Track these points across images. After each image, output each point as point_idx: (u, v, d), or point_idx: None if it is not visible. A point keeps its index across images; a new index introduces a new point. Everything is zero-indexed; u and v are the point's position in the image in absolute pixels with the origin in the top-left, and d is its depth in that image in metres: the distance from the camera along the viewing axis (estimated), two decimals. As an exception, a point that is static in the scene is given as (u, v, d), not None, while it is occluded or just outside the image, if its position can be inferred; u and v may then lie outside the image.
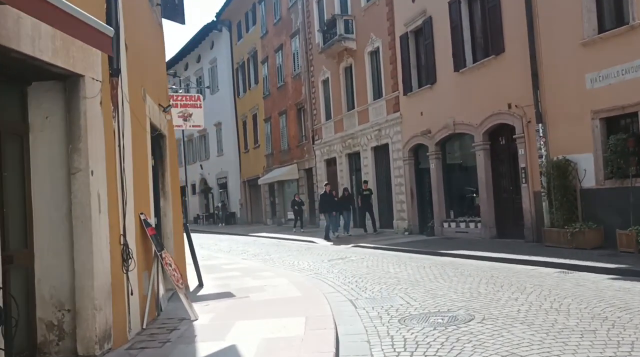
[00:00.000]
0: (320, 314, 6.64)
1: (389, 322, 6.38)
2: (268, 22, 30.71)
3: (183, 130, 39.13)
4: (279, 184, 30.64)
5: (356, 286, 9.11)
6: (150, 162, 7.65)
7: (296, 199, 24.83)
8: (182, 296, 6.90)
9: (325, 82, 24.53)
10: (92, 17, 3.87)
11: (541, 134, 12.66)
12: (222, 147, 37.96)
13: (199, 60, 40.67)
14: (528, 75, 12.88)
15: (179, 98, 12.35)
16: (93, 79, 5.46)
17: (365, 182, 20.21)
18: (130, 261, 5.96)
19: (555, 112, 12.42)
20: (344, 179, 22.98)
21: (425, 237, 16.78)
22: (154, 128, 8.15)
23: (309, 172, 27.14)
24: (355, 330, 6.15)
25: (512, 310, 6.49)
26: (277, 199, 31.07)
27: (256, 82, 33.01)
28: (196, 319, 6.76)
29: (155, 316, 7.03)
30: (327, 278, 10.21)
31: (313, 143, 25.98)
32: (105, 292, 5.44)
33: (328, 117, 24.55)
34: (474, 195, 15.68)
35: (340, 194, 20.87)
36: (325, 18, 23.37)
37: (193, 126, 12.69)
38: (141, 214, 6.73)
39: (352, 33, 21.43)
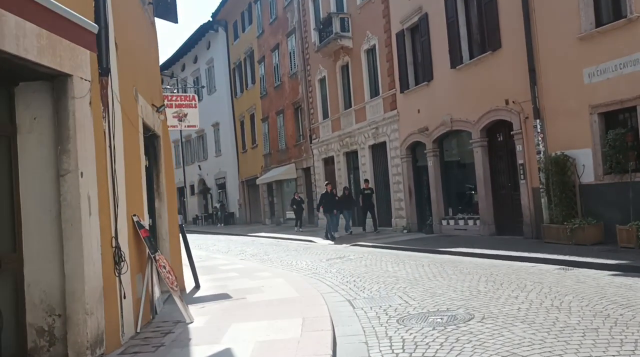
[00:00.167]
0: (317, 315, 6.53)
1: (387, 322, 6.28)
2: (264, 22, 30.60)
3: (181, 131, 39.43)
4: (277, 184, 30.55)
5: (354, 285, 9.01)
6: (143, 162, 7.54)
7: (296, 198, 24.69)
8: (176, 299, 6.79)
9: (322, 81, 24.42)
10: (76, 13, 3.75)
11: (539, 130, 12.57)
12: (220, 147, 37.87)
13: (195, 61, 40.57)
14: (525, 71, 12.78)
15: (174, 98, 12.22)
16: (81, 78, 5.34)
17: (367, 180, 19.97)
18: (122, 263, 5.84)
19: (553, 108, 12.32)
20: (342, 178, 22.88)
21: (424, 235, 16.68)
22: (147, 128, 8.04)
23: (307, 171, 27.04)
24: (353, 331, 6.04)
25: (512, 308, 6.39)
26: (276, 199, 30.97)
27: (253, 82, 32.91)
28: (191, 322, 6.64)
29: (150, 319, 6.92)
30: (325, 278, 10.11)
31: (311, 142, 25.87)
32: (97, 296, 5.32)
33: (325, 116, 24.45)
34: (473, 192, 15.58)
35: (340, 193, 20.70)
36: (321, 16, 23.25)
37: (188, 126, 12.55)
38: (134, 215, 6.62)
39: (348, 31, 21.32)
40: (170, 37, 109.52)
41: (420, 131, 17.15)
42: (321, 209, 19.74)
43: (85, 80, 5.40)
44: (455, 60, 15.37)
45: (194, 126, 12.75)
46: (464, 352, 4.90)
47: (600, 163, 11.24)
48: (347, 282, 9.43)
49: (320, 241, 18.20)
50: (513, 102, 13.29)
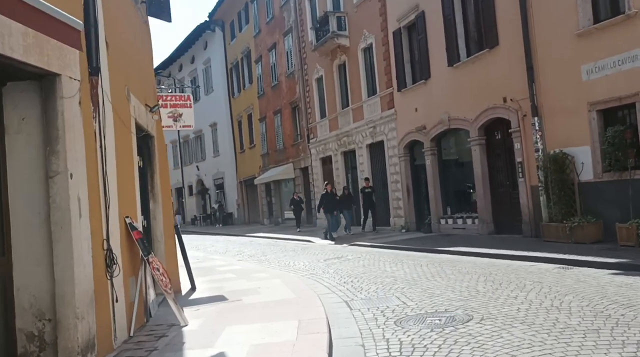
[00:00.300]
0: (313, 317, 6.43)
1: (384, 324, 6.18)
2: (261, 21, 30.49)
3: (179, 132, 39.33)
4: (275, 184, 30.45)
5: (352, 286, 8.91)
6: (136, 163, 7.43)
7: (295, 198, 24.51)
8: (170, 302, 6.69)
9: (319, 80, 24.31)
10: (59, 10, 3.64)
11: (537, 128, 12.47)
12: (218, 147, 37.76)
13: (193, 61, 40.44)
14: (523, 68, 12.68)
15: (169, 98, 12.09)
16: (70, 77, 5.22)
17: (367, 179, 19.72)
18: (114, 266, 5.73)
19: (551, 105, 12.23)
20: (339, 178, 22.77)
21: (423, 234, 16.58)
22: (140, 129, 7.93)
23: (304, 171, 26.94)
24: (349, 333, 5.94)
25: (511, 309, 6.29)
26: (274, 199, 30.87)
27: (250, 81, 32.80)
28: (186, 325, 6.54)
29: (144, 322, 6.81)
30: (323, 278, 10.01)
31: (308, 142, 25.77)
32: (88, 300, 5.21)
33: (323, 115, 24.35)
34: (471, 190, 15.49)
35: (340, 193, 20.53)
36: (318, 15, 23.14)
37: (184, 127, 12.42)
38: (127, 217, 6.51)
39: (345, 30, 21.21)
40: (167, 38, 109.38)
41: (418, 130, 17.06)
42: (321, 210, 19.53)
43: (75, 79, 5.28)
44: (453, 58, 15.27)
45: (189, 126, 12.62)
46: (462, 355, 4.81)
47: (599, 161, 11.15)
48: (344, 282, 9.33)
49: (319, 241, 18.10)
50: (511, 99, 13.20)
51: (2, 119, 5.12)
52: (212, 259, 15.57)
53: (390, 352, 5.11)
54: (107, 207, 5.76)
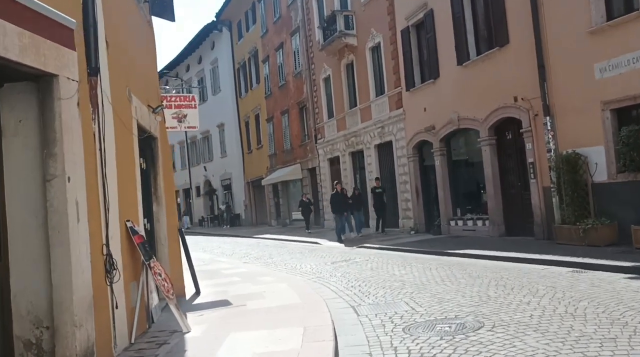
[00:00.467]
0: (319, 324, 6.24)
1: (392, 331, 5.98)
2: (268, 21, 30.35)
3: (186, 133, 39.30)
4: (282, 185, 30.30)
5: (359, 290, 8.71)
6: (138, 165, 7.27)
7: (304, 199, 24.28)
8: (172, 307, 6.52)
9: (327, 80, 24.13)
10: (50, 7, 3.48)
11: (549, 128, 12.22)
12: (225, 148, 37.67)
13: (200, 62, 40.39)
14: (534, 67, 12.43)
15: (173, 98, 11.94)
16: (68, 78, 5.06)
17: (377, 179, 19.36)
18: (114, 271, 5.58)
19: (563, 104, 11.97)
20: (347, 178, 22.57)
21: (432, 236, 16.36)
22: (143, 130, 7.77)
23: (312, 171, 26.77)
24: (356, 341, 5.75)
25: (524, 315, 6.07)
26: (282, 200, 30.72)
27: (257, 81, 32.67)
28: (188, 332, 6.37)
29: (146, 329, 6.66)
30: (330, 282, 9.82)
31: (316, 142, 25.59)
32: (86, 307, 5.05)
33: (330, 115, 24.16)
34: (482, 191, 15.25)
35: (350, 193, 20.21)
36: (325, 14, 22.97)
37: (188, 127, 12.27)
38: (127, 221, 6.35)
39: (353, 29, 21.02)
40: (175, 38, 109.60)
41: (427, 130, 16.84)
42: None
43: (73, 80, 5.12)
44: (462, 56, 15.04)
45: (194, 127, 12.46)
46: (473, 366, 4.61)
47: (613, 161, 10.89)
48: (351, 286, 9.13)
49: (326, 243, 17.91)
50: (522, 99, 12.95)
51: (-1, 121, 4.99)
52: (218, 261, 15.43)
53: (398, 362, 4.93)
54: (106, 211, 5.60)
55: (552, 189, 12.11)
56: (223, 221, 36.87)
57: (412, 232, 17.81)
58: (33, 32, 3.64)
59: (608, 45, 10.78)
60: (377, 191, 18.86)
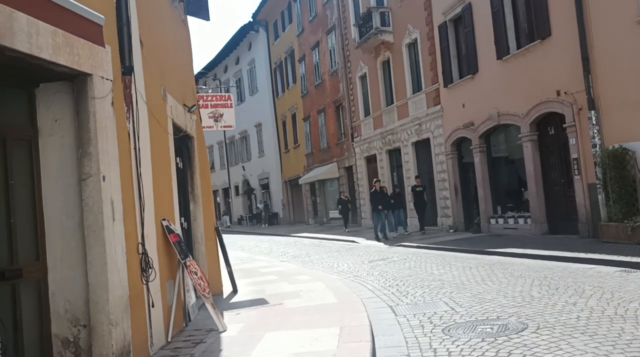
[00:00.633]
0: (356, 324, 6.12)
1: (431, 332, 5.81)
2: (304, 20, 30.34)
3: (224, 133, 39.69)
4: (319, 183, 30.25)
5: (397, 290, 8.54)
6: (174, 164, 7.29)
7: (342, 197, 24.12)
8: (209, 306, 6.50)
9: (363, 78, 23.94)
10: (78, 3, 3.46)
11: (594, 122, 11.76)
12: (263, 148, 37.88)
13: (237, 62, 40.72)
14: (578, 59, 11.98)
15: (209, 98, 11.96)
16: (102, 77, 5.08)
17: (418, 177, 18.93)
18: (150, 270, 5.58)
19: (609, 98, 11.50)
20: (384, 176, 22.30)
21: (472, 234, 16.00)
22: (178, 129, 7.80)
23: (349, 170, 26.62)
24: (394, 342, 5.60)
25: (570, 317, 5.81)
26: (319, 198, 30.67)
27: (294, 81, 32.72)
28: (224, 331, 6.34)
29: (182, 327, 6.66)
30: (367, 281, 9.68)
31: (352, 141, 25.43)
32: (122, 306, 5.06)
33: (367, 113, 23.96)
34: (523, 189, 14.84)
35: (390, 191, 19.81)
36: (361, 12, 22.78)
37: (224, 127, 12.27)
38: (163, 220, 6.36)
39: (389, 25, 20.78)
40: (213, 40, 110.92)
41: (466, 126, 16.49)
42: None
43: (107, 79, 5.14)
44: (502, 51, 14.65)
45: (230, 126, 12.46)
46: (517, 369, 4.41)
47: (663, 156, 10.41)
48: (389, 286, 8.97)
49: (364, 242, 17.74)
50: (565, 93, 12.51)
51: (36, 121, 5.03)
52: (255, 260, 15.45)
53: (437, 365, 4.76)
54: (142, 210, 5.61)
55: (598, 186, 11.66)
56: (261, 219, 37.10)
57: (451, 230, 17.48)
58: (66, 30, 3.61)
59: (657, 35, 10.31)
60: (417, 189, 18.45)
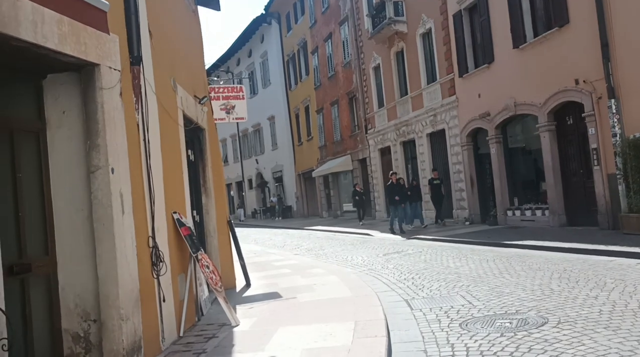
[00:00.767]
0: (371, 318, 5.98)
1: (448, 326, 5.66)
2: (316, 11, 30.11)
3: (237, 125, 39.63)
4: (333, 176, 30.09)
5: (412, 283, 8.39)
6: (184, 156, 7.18)
7: (357, 189, 23.98)
8: (221, 300, 6.41)
9: (377, 69, 23.70)
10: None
11: (614, 111, 11.48)
12: (276, 140, 37.80)
13: (250, 55, 40.60)
14: (597, 47, 11.69)
15: (220, 90, 11.83)
16: (110, 68, 4.97)
17: (435, 170, 18.69)
18: (161, 264, 5.48)
19: (630, 86, 11.21)
20: (399, 169, 22.08)
21: (488, 226, 15.78)
22: (189, 121, 7.69)
23: (362, 162, 26.43)
24: (410, 337, 5.46)
25: (592, 311, 5.63)
26: (332, 191, 30.53)
27: (307, 73, 32.52)
28: (237, 325, 6.25)
29: (194, 322, 6.58)
30: (382, 274, 9.54)
31: (366, 132, 25.22)
32: (133, 300, 4.97)
33: (380, 104, 23.73)
34: (541, 179, 14.59)
35: (407, 183, 19.49)
36: (374, 2, 22.51)
37: (236, 119, 12.14)
38: (174, 212, 6.27)
39: (402, 15, 20.52)
40: (225, 32, 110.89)
41: (482, 117, 16.23)
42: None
43: (115, 69, 5.03)
44: (518, 39, 14.37)
45: (242, 118, 12.32)
46: (538, 366, 4.25)
47: (686, 145, 10.12)
48: (404, 279, 8.82)
49: (378, 235, 17.58)
50: (584, 81, 12.23)
51: (43, 113, 4.94)
52: (269, 253, 15.38)
53: (455, 360, 4.62)
54: (152, 203, 5.51)
55: (618, 176, 11.40)
56: (275, 213, 37.06)
57: (467, 223, 17.26)
58: (70, 17, 3.50)
59: (680, 20, 10.00)
60: (434, 182, 18.20)
